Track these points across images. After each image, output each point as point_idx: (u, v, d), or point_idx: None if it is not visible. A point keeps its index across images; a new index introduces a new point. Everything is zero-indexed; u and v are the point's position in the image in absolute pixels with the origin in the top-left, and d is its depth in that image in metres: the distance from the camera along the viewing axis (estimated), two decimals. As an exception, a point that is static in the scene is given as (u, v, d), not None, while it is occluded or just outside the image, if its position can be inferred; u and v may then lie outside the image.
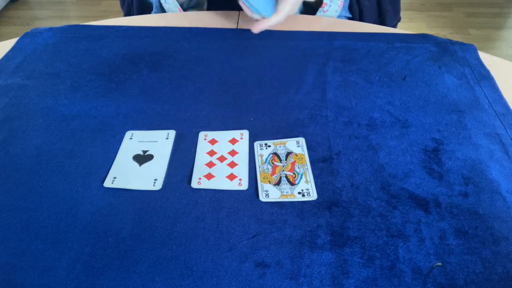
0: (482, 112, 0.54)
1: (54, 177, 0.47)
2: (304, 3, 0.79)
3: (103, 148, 0.50)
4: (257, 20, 0.65)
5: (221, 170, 0.47)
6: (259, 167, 0.48)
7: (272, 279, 0.37)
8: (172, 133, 0.52)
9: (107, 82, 0.60)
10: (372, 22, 0.78)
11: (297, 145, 0.50)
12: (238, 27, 0.72)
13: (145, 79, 0.61)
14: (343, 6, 0.79)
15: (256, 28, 0.64)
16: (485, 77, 0.60)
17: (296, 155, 0.49)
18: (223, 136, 0.51)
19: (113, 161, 0.48)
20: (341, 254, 0.39)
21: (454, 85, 0.59)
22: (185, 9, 0.80)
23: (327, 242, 0.40)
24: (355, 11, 0.81)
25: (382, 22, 0.84)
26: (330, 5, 0.75)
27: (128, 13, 0.89)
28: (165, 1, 0.77)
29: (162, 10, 0.79)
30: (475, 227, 0.41)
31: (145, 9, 0.86)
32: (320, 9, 0.76)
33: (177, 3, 0.77)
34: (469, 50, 0.66)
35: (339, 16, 0.79)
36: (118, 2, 0.93)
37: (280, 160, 0.48)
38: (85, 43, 0.68)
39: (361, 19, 0.82)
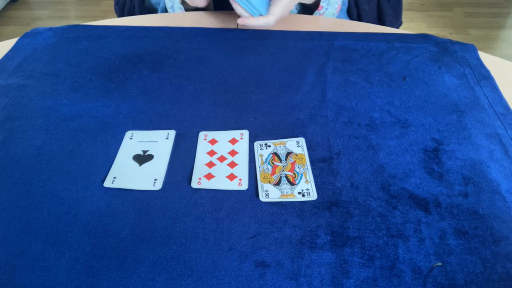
0: (482, 112, 0.54)
1: (54, 177, 0.47)
2: (302, 4, 0.79)
3: (103, 148, 0.50)
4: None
5: (221, 170, 0.47)
6: (259, 167, 0.48)
7: (272, 279, 0.37)
8: (172, 133, 0.52)
9: (107, 82, 0.60)
10: None
11: (297, 145, 0.50)
12: (238, 27, 0.72)
13: (145, 79, 0.61)
14: (341, 10, 0.79)
15: (242, 21, 0.65)
16: (485, 77, 0.60)
17: (296, 155, 0.49)
18: (223, 136, 0.51)
19: (113, 161, 0.48)
20: (341, 254, 0.39)
21: (454, 85, 0.59)
22: None
23: (327, 242, 0.40)
24: (354, 15, 0.81)
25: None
26: (326, 8, 0.75)
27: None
28: (173, 10, 0.76)
29: None
30: (475, 227, 0.41)
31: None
32: (316, 11, 0.75)
33: (184, 11, 0.76)
34: (469, 50, 0.66)
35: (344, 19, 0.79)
36: (118, 2, 0.92)
37: (280, 160, 0.48)
38: (85, 43, 0.68)
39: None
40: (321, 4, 0.74)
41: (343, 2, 0.78)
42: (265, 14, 0.64)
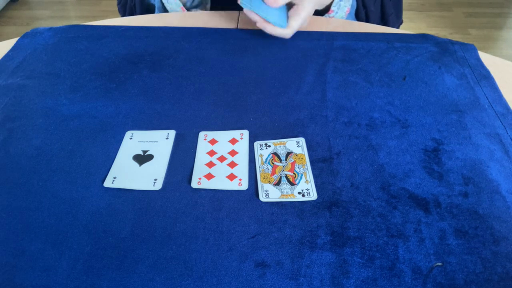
0: (482, 112, 0.54)
1: (54, 177, 0.47)
2: None
3: (103, 148, 0.50)
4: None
5: (221, 170, 0.47)
6: (259, 167, 0.48)
7: (272, 279, 0.37)
8: (172, 133, 0.52)
9: (107, 82, 0.60)
10: None
11: (297, 145, 0.50)
12: (238, 27, 0.72)
13: (145, 79, 0.61)
14: (349, 13, 0.79)
15: (261, 25, 0.63)
16: (485, 77, 0.60)
17: (296, 155, 0.49)
18: (223, 136, 0.51)
19: (113, 161, 0.48)
20: (341, 254, 0.39)
21: (454, 85, 0.59)
22: (188, 9, 0.79)
23: (327, 242, 0.40)
24: (362, 16, 0.81)
25: (384, 26, 0.84)
26: (337, 12, 0.75)
27: (129, 15, 0.89)
28: (167, 1, 0.76)
29: (164, 11, 0.79)
30: (475, 227, 0.41)
31: (149, 12, 0.86)
32: (326, 15, 0.76)
33: (180, 3, 0.76)
34: (469, 50, 0.66)
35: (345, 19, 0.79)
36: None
37: (280, 160, 0.48)
38: (85, 43, 0.68)
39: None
40: (332, 8, 0.74)
41: (351, 5, 0.78)
42: (284, 26, 0.64)
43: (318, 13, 0.78)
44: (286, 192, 0.45)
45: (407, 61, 0.63)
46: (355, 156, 0.49)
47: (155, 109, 0.55)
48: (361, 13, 0.81)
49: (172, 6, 0.77)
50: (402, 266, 0.38)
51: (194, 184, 0.45)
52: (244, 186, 0.45)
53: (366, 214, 0.43)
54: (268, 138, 0.51)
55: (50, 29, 0.72)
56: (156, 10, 0.81)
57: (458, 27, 2.25)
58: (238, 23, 0.73)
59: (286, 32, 0.64)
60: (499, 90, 0.58)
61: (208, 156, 0.49)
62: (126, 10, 0.88)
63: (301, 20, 0.64)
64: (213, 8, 0.80)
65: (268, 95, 0.57)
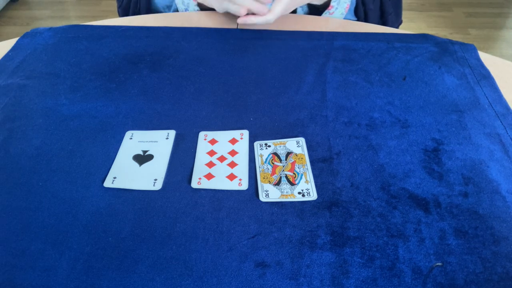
0: (482, 112, 0.54)
1: (54, 177, 0.47)
2: (309, 5, 0.79)
3: (103, 148, 0.50)
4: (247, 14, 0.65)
5: (221, 170, 0.47)
6: (259, 167, 0.48)
7: (272, 279, 0.37)
8: (172, 133, 0.52)
9: (107, 82, 0.60)
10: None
11: (297, 145, 0.50)
12: (238, 27, 0.72)
13: (145, 79, 0.61)
14: (349, 10, 0.79)
15: (242, 20, 0.65)
16: (485, 77, 0.60)
17: (296, 155, 0.49)
18: (223, 136, 0.51)
19: (113, 161, 0.48)
20: (341, 254, 0.39)
21: (454, 85, 0.59)
22: None
23: (327, 242, 0.40)
24: (361, 14, 0.82)
25: (384, 25, 0.84)
26: (336, 8, 0.75)
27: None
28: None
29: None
30: (475, 227, 0.41)
31: None
32: (326, 11, 0.76)
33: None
34: (469, 50, 0.66)
35: (345, 19, 0.80)
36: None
37: (280, 160, 0.48)
38: (85, 43, 0.68)
39: (365, 22, 0.82)
40: (332, 3, 0.74)
41: (351, 2, 0.78)
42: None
43: (318, 10, 0.78)
44: (286, 192, 0.45)
45: (407, 61, 0.63)
46: (355, 156, 0.49)
47: (155, 109, 0.55)
48: (360, 11, 0.81)
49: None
50: (402, 266, 0.38)
51: (194, 184, 0.45)
52: (244, 186, 0.45)
53: (366, 214, 0.43)
54: (268, 138, 0.51)
55: (50, 29, 0.72)
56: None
57: (458, 27, 2.25)
58: (238, 23, 0.73)
59: (268, 17, 0.64)
60: (499, 90, 0.58)
61: (208, 156, 0.49)
62: (128, 13, 0.87)
63: (284, 4, 0.64)
64: (213, 8, 0.80)
65: (268, 95, 0.57)
